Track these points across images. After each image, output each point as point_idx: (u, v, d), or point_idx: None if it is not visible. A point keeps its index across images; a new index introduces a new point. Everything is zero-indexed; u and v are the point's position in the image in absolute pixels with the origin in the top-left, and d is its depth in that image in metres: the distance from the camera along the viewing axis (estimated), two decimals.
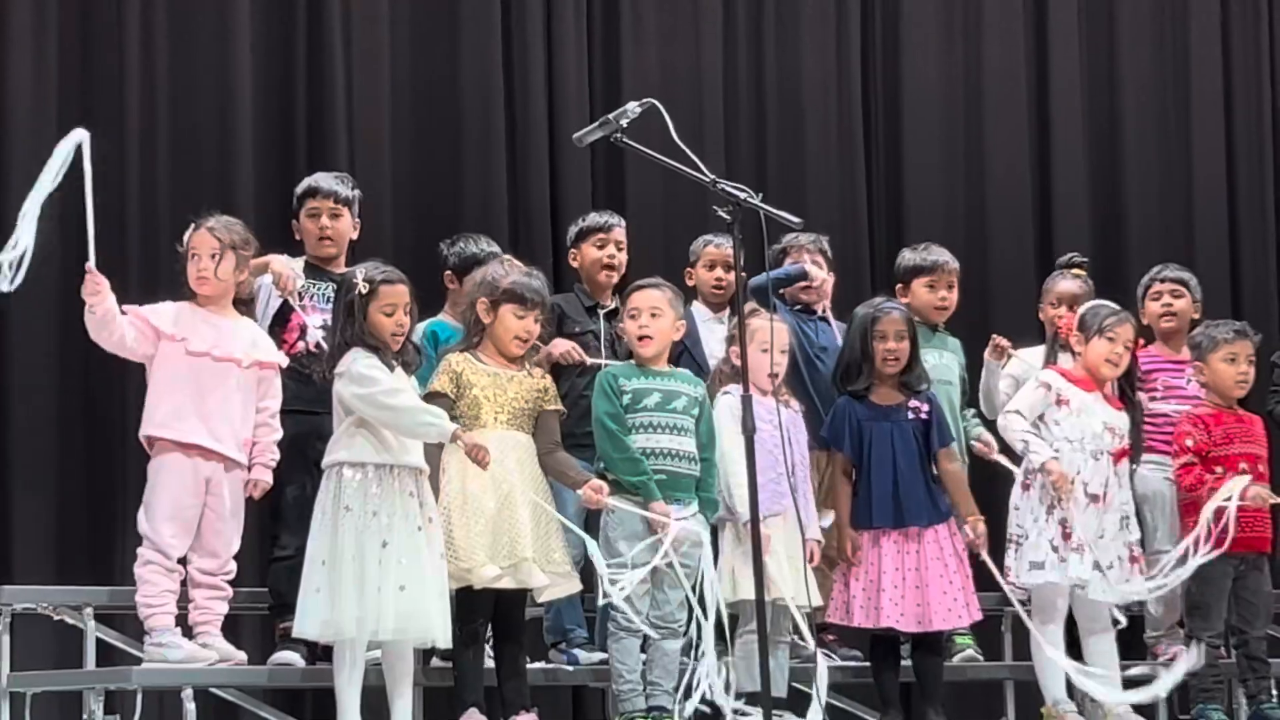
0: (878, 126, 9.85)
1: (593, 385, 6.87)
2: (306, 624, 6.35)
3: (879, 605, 7.05)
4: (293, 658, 6.81)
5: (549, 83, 9.06)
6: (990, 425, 7.78)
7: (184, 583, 6.63)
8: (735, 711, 6.43)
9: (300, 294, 7.01)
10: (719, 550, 6.83)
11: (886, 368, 7.23)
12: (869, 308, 7.33)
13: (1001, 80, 10.03)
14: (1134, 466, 7.55)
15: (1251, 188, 10.39)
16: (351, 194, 7.31)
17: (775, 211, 5.89)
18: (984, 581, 7.31)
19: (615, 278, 7.54)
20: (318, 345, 6.87)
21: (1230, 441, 7.71)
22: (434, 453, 6.50)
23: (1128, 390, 7.50)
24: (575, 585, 6.70)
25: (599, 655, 7.05)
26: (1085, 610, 7.34)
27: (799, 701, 6.89)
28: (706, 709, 6.44)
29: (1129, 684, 7.34)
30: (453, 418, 6.45)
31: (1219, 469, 7.64)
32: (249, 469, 6.68)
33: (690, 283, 7.75)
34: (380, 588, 6.26)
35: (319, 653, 6.81)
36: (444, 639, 6.41)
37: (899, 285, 7.93)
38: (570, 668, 7.19)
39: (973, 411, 7.95)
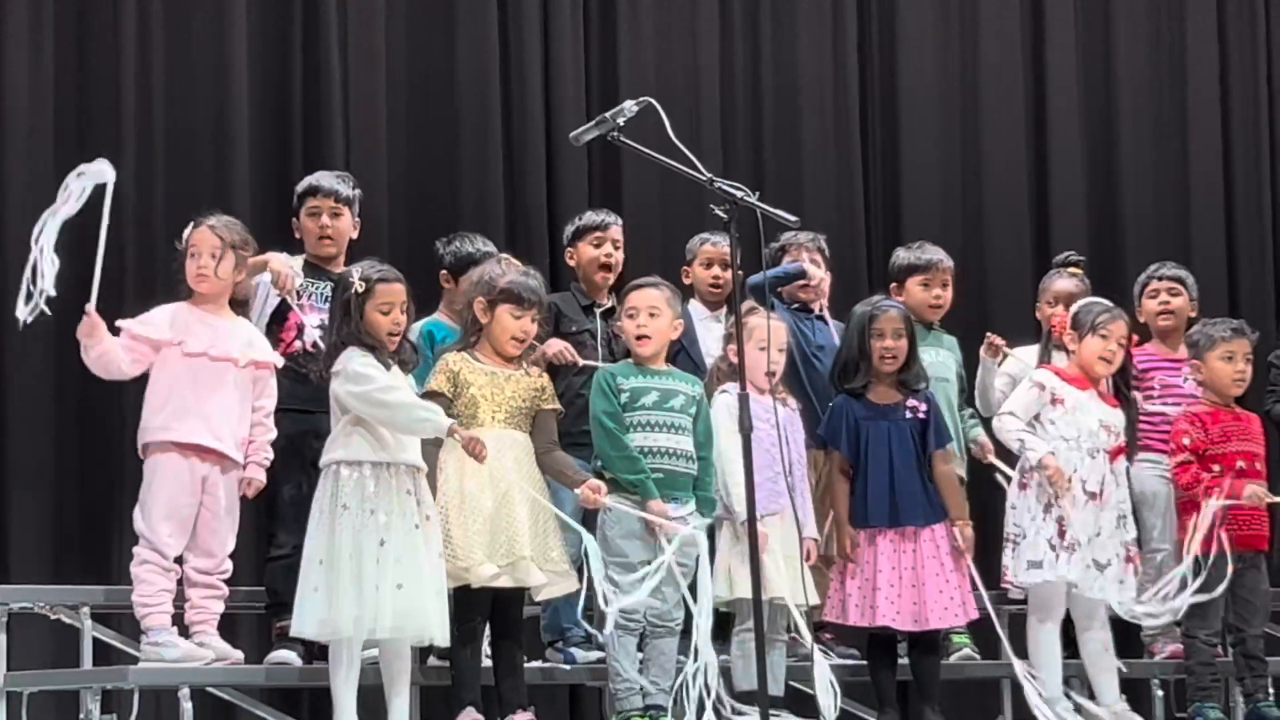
0: (875, 125, 9.85)
1: (589, 384, 6.88)
2: (305, 623, 6.35)
3: (874, 604, 7.05)
4: (289, 657, 6.80)
5: (545, 81, 9.06)
6: (987, 424, 7.78)
7: (180, 582, 6.63)
8: (733, 710, 6.43)
9: (298, 293, 7.01)
10: (716, 549, 6.83)
11: (884, 366, 7.22)
12: (867, 306, 7.33)
13: (998, 79, 10.04)
14: (1129, 465, 7.55)
15: (1248, 186, 10.40)
16: (352, 193, 7.31)
17: (772, 210, 5.89)
18: (986, 581, 7.30)
19: (612, 276, 7.54)
20: (315, 345, 6.87)
21: (1228, 439, 7.71)
22: (432, 452, 6.50)
23: (1123, 387, 7.50)
24: (573, 584, 6.68)
25: (596, 654, 7.05)
26: (1080, 608, 7.35)
27: (797, 700, 6.90)
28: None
29: (1127, 682, 7.36)
30: (450, 417, 6.45)
31: (1216, 467, 7.64)
32: (244, 468, 6.68)
33: (687, 281, 7.75)
34: (378, 586, 6.25)
35: (315, 652, 6.80)
36: (441, 638, 6.41)
37: (893, 284, 7.93)
38: (567, 666, 7.19)
39: (970, 411, 7.95)
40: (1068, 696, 7.31)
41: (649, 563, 6.58)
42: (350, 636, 6.29)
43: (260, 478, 6.71)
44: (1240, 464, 7.65)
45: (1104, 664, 7.39)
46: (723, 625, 6.97)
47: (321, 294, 7.05)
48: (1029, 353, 7.83)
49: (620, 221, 7.68)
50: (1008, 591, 7.63)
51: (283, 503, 6.96)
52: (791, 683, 7.02)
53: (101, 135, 8.17)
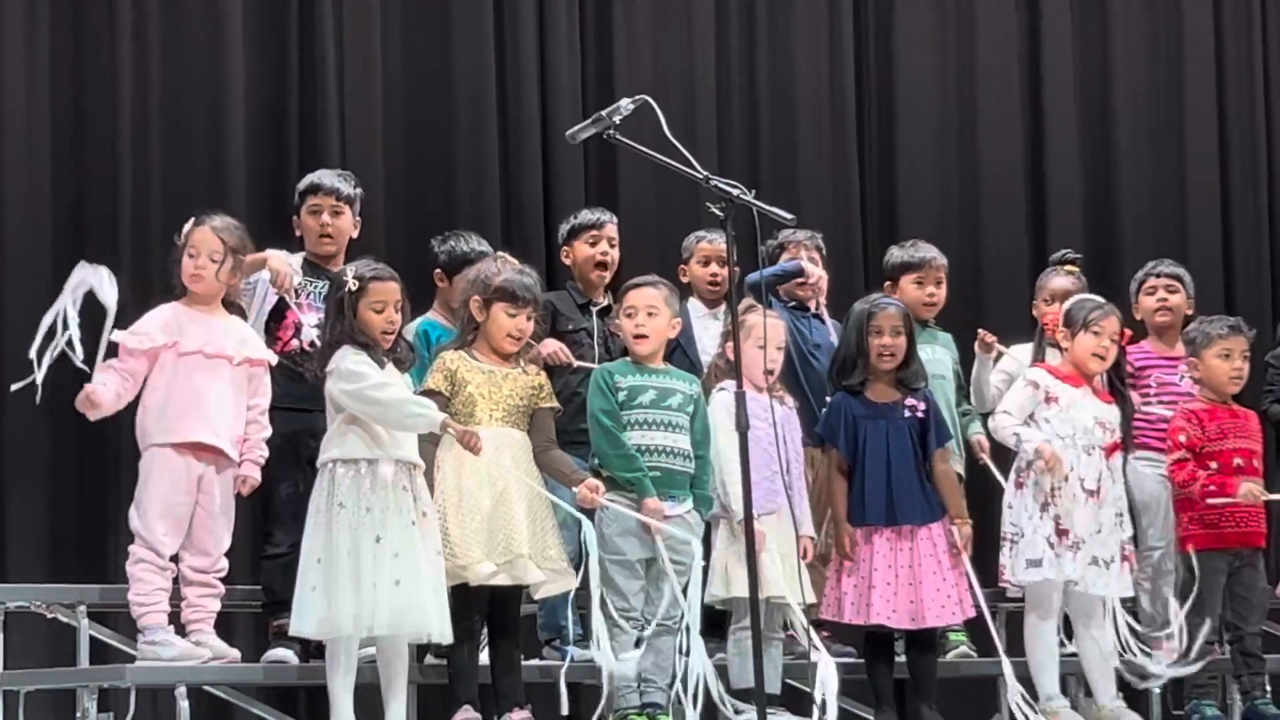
0: (871, 123, 9.85)
1: (587, 382, 6.87)
2: (304, 622, 6.34)
3: (870, 602, 7.04)
4: (286, 655, 6.80)
5: (541, 79, 9.06)
6: (983, 420, 7.78)
7: (176, 581, 6.62)
8: (732, 709, 6.43)
9: (296, 291, 7.00)
10: (713, 547, 6.82)
11: (882, 363, 7.22)
12: (866, 303, 7.32)
13: (995, 77, 10.04)
14: (1125, 461, 7.55)
15: (1245, 184, 10.40)
16: (353, 192, 7.30)
17: (768, 208, 5.89)
18: (983, 579, 7.30)
19: (608, 275, 7.53)
20: (312, 344, 6.86)
21: (1224, 437, 7.70)
22: (429, 450, 6.50)
23: (1117, 383, 7.50)
24: (571, 582, 6.68)
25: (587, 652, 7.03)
26: (1079, 606, 7.34)
27: (794, 698, 6.90)
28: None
29: (1124, 680, 7.36)
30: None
31: (1213, 465, 7.64)
32: (239, 466, 6.68)
33: (684, 279, 7.75)
34: (375, 583, 6.25)
35: (312, 650, 6.80)
36: (440, 634, 6.40)
37: (887, 282, 7.93)
38: (564, 664, 7.17)
39: (966, 407, 7.94)
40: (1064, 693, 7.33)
41: (646, 561, 6.60)
42: (349, 635, 6.29)
43: (255, 476, 6.70)
44: (1238, 461, 7.65)
45: (1102, 662, 7.38)
46: (718, 623, 6.98)
47: (320, 293, 7.03)
48: (1026, 351, 7.82)
49: (616, 220, 7.68)
50: (1005, 590, 7.63)
51: (279, 501, 6.95)
52: (788, 680, 7.02)
53: (98, 134, 8.17)
